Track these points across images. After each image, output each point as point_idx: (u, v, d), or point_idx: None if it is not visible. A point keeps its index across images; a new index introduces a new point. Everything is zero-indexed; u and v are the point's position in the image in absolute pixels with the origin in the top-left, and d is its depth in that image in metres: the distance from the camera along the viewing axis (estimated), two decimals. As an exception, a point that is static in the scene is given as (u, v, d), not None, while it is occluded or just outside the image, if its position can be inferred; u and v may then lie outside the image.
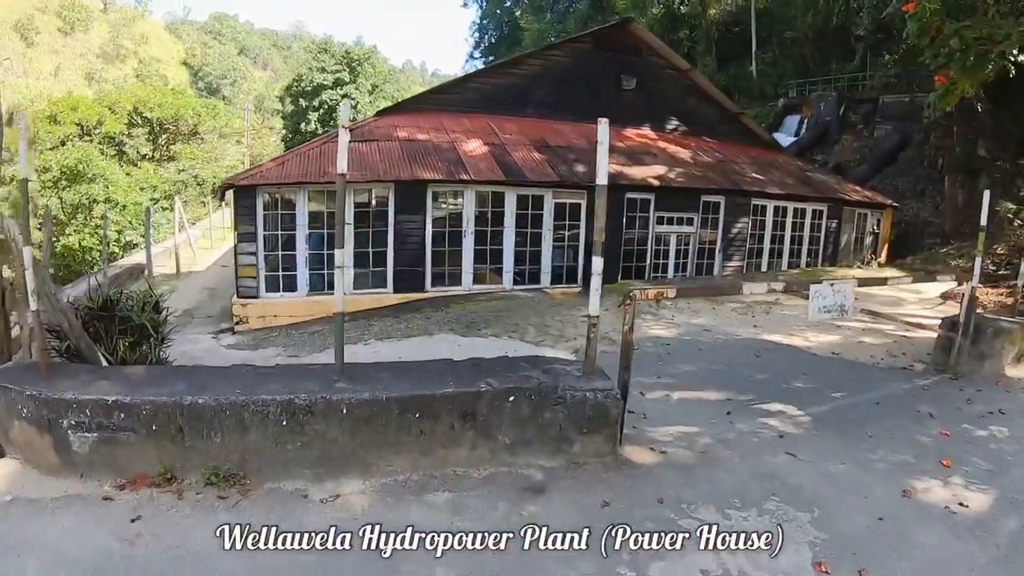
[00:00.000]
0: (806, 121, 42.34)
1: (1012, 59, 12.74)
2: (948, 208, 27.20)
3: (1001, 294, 16.98)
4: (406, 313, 14.69)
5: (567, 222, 17.70)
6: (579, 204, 17.64)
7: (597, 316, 5.54)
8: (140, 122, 38.66)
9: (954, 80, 13.87)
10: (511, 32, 72.36)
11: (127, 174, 34.52)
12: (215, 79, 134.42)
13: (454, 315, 14.01)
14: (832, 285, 6.95)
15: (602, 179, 5.20)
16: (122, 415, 5.02)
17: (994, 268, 20.81)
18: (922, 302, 16.67)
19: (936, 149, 30.66)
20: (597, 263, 5.51)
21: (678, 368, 9.67)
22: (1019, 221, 21.15)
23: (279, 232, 15.74)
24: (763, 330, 12.39)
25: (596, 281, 5.55)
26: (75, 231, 28.60)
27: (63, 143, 32.27)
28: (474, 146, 17.92)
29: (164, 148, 40.44)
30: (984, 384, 9.11)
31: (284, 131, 67.20)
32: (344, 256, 5.23)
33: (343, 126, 5.06)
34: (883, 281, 7.59)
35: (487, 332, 12.19)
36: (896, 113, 36.78)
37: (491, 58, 64.73)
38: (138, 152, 38.06)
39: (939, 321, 10.39)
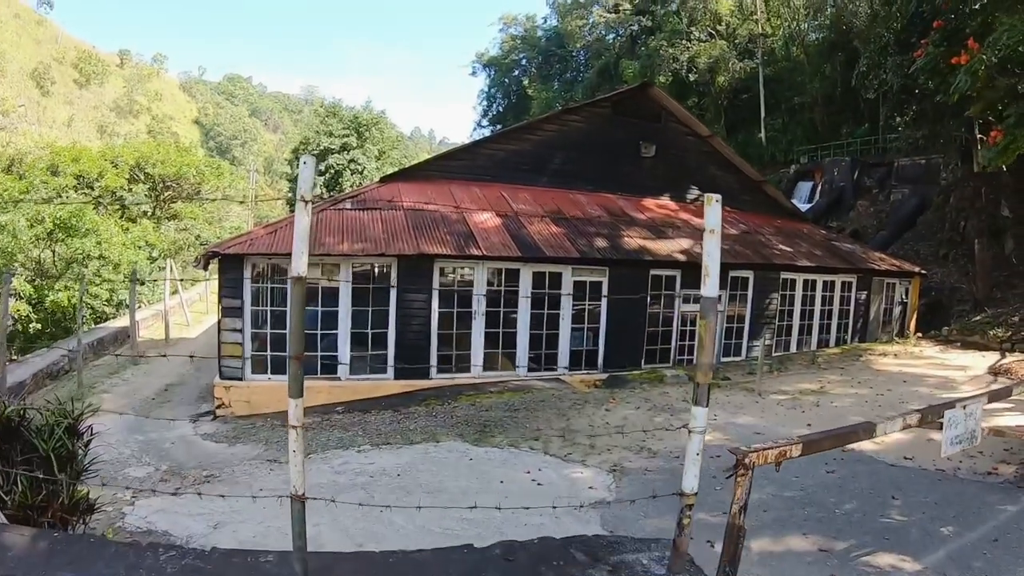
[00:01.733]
0: (819, 187, 41.73)
1: None
2: (980, 273, 26.00)
3: None
4: (409, 405, 13.16)
5: (587, 302, 16.26)
6: (600, 282, 16.24)
7: (694, 495, 3.92)
8: (142, 178, 37.77)
9: (1013, 136, 12.95)
10: (519, 101, 72.95)
11: (124, 230, 33.30)
12: (226, 139, 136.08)
13: (463, 413, 12.42)
14: (964, 408, 5.40)
15: (712, 289, 3.74)
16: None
17: None
18: (973, 380, 15.28)
19: (957, 211, 29.83)
20: (699, 414, 3.85)
21: None
22: None
23: (268, 307, 14.41)
24: (817, 429, 10.77)
25: (694, 443, 3.87)
26: (64, 287, 27.18)
27: (59, 195, 31.06)
28: (486, 218, 16.61)
29: (165, 206, 39.47)
30: None
31: (290, 195, 66.44)
32: (294, 365, 3.67)
33: (302, 197, 3.51)
34: (1007, 392, 6.22)
35: (503, 440, 10.54)
36: (912, 176, 36.36)
37: (499, 126, 64.70)
38: (139, 209, 37.03)
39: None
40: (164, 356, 7.83)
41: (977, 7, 14.70)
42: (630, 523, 6.82)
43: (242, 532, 6.98)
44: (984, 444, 9.01)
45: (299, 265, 3.54)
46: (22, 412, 5.59)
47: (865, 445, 9.79)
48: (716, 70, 50.36)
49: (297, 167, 44.13)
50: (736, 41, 52.68)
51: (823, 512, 7.43)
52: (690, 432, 3.80)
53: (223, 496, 5.71)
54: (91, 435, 6.17)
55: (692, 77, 50.76)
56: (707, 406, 3.78)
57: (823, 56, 45.97)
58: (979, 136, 24.42)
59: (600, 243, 16.80)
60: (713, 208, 3.70)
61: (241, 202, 51.20)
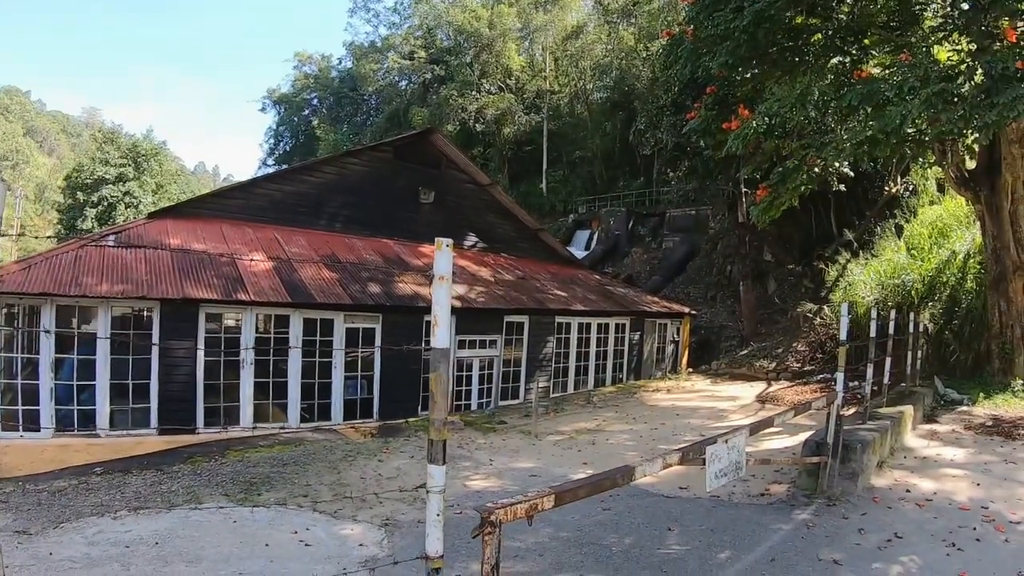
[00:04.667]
0: (596, 235, 43.93)
1: (834, 170, 13.34)
2: (745, 311, 28.48)
3: (813, 391, 17.39)
4: (173, 463, 12.29)
5: (360, 349, 16.06)
6: (373, 328, 16.15)
7: (440, 559, 3.80)
8: None
9: (777, 193, 14.18)
10: (307, 141, 72.07)
11: None
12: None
13: (230, 469, 11.69)
14: (727, 442, 5.75)
15: (442, 340, 3.72)
16: None
17: (798, 366, 21.41)
18: (743, 409, 16.53)
19: (724, 257, 32.62)
20: (436, 473, 3.62)
21: (516, 540, 7.79)
22: (819, 320, 21.99)
23: (17, 355, 13.13)
24: (594, 468, 11.10)
25: (433, 504, 3.71)
26: None
27: None
28: (257, 260, 16.07)
29: None
30: (863, 504, 8.54)
31: (59, 226, 62.00)
32: None
33: None
34: (769, 422, 6.83)
35: (271, 498, 9.99)
36: (683, 226, 39.21)
37: (284, 166, 63.55)
38: None
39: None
40: None
41: (748, 76, 15.98)
42: None
43: None
44: (755, 467, 9.73)
45: None
46: None
47: (641, 479, 10.24)
48: (503, 122, 52.02)
49: (70, 197, 41.52)
50: (524, 96, 54.75)
51: (601, 551, 7.54)
52: (428, 492, 3.63)
53: None
54: None
55: (479, 127, 52.21)
56: (444, 464, 3.59)
57: (605, 114, 48.71)
58: (744, 190, 26.91)
59: (374, 288, 16.73)
60: (443, 253, 3.46)
61: (3, 234, 47.15)
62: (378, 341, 16.16)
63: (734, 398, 18.35)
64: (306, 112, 76.60)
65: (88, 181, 57.50)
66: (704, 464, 5.74)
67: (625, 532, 8.20)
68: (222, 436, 13.94)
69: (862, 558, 7.03)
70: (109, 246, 15.19)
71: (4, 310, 12.91)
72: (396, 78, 63.79)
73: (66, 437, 13.15)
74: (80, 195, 57.32)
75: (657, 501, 9.40)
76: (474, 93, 52.52)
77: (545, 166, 52.24)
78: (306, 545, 8.11)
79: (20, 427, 13.00)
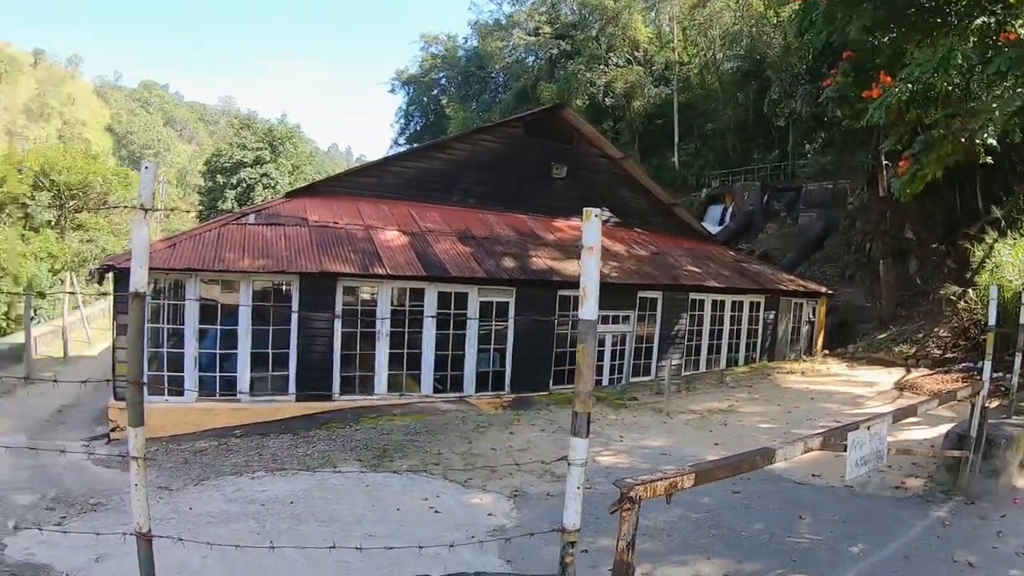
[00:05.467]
0: (730, 210, 42.60)
1: (981, 142, 12.24)
2: (885, 292, 26.75)
3: (955, 380, 16.14)
4: (309, 429, 12.73)
5: (493, 322, 16.12)
6: (507, 302, 16.16)
7: (576, 532, 3.64)
8: (47, 185, 36.39)
9: (920, 164, 13.31)
10: (437, 120, 72.65)
11: (26, 240, 32.04)
12: (139, 148, 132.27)
13: (364, 436, 12.03)
14: (869, 429, 5.40)
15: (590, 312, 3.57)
16: None
17: (939, 352, 20.07)
18: (880, 396, 15.70)
19: (863, 234, 30.75)
20: (579, 445, 3.57)
21: (646, 518, 7.81)
22: (963, 304, 20.45)
23: (164, 325, 13.77)
24: (726, 449, 10.77)
25: (574, 477, 3.59)
26: (-42, 300, 26.04)
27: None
28: (392, 236, 16.30)
29: (70, 215, 38.11)
30: (1003, 505, 7.94)
31: (201, 208, 64.90)
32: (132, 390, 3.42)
33: (142, 205, 3.31)
34: (912, 411, 6.32)
35: (403, 465, 10.21)
36: (819, 200, 37.37)
37: (416, 145, 64.36)
38: (42, 218, 35.69)
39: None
40: (54, 381, 7.53)
41: (886, 40, 15.09)
42: (530, 552, 6.57)
43: (124, 566, 6.56)
44: (892, 458, 9.22)
45: (137, 280, 3.28)
46: None
47: (772, 464, 9.84)
48: (632, 95, 51.13)
49: (210, 180, 43.45)
50: (653, 68, 53.60)
51: (730, 534, 7.33)
52: (569, 464, 3.55)
53: (97, 533, 5.36)
54: None
55: (608, 101, 51.45)
56: (587, 436, 3.51)
57: (737, 84, 47.10)
58: (885, 162, 25.27)
59: (508, 263, 16.71)
60: (592, 224, 3.47)
61: (156, 209, 49.73)
62: (511, 314, 16.16)
63: (871, 384, 17.43)
64: (435, 92, 77.21)
65: (227, 165, 59.88)
66: (843, 451, 5.42)
67: (755, 517, 7.92)
68: (357, 404, 14.38)
69: (999, 563, 6.57)
70: (250, 224, 15.72)
71: (152, 284, 13.48)
72: (522, 55, 63.29)
73: (208, 402, 13.85)
74: (220, 178, 59.76)
75: (789, 487, 9.09)
76: (602, 67, 51.65)
77: (676, 139, 51.03)
78: (436, 512, 8.20)
79: (166, 392, 13.73)
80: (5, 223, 32.04)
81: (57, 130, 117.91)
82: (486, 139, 20.76)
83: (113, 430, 13.44)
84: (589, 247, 3.43)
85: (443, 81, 77.21)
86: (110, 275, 13.82)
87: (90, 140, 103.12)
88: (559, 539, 3.60)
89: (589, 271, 3.45)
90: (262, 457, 11.16)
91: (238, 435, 12.81)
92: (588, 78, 51.14)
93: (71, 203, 38.36)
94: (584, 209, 3.43)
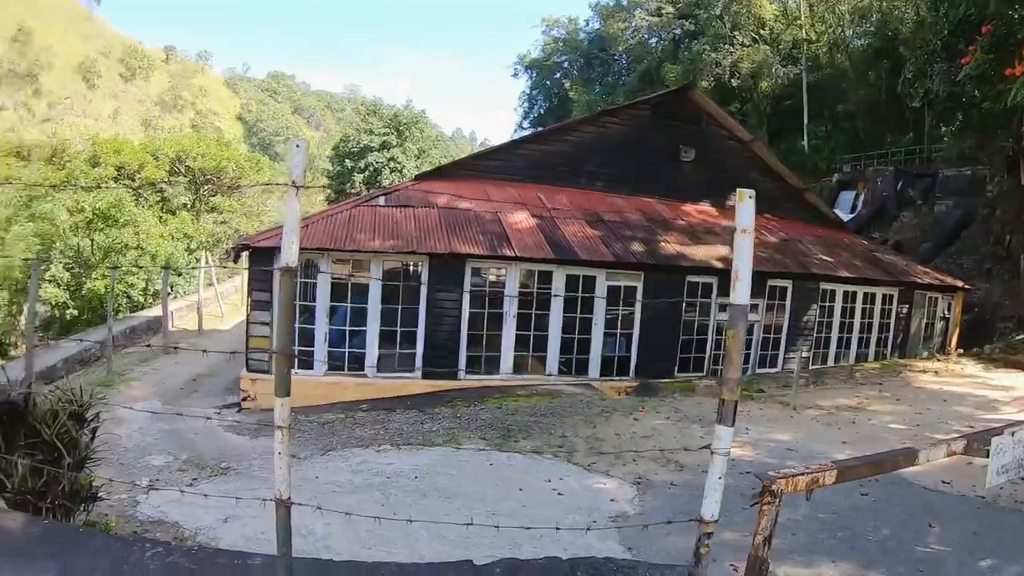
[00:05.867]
0: (862, 197, 40.74)
1: None
2: None
3: None
4: (434, 406, 12.87)
5: (620, 307, 15.82)
6: (635, 287, 15.85)
7: (714, 523, 3.53)
8: (182, 170, 38.13)
9: None
10: (560, 103, 72.41)
11: (163, 222, 33.71)
12: (269, 135, 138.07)
13: (488, 415, 12.10)
14: (1013, 435, 4.99)
15: (742, 296, 3.41)
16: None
17: None
18: (1017, 402, 14.66)
19: (1003, 225, 28.84)
20: (724, 434, 3.44)
21: None
22: None
23: (297, 302, 14.15)
24: (854, 448, 10.29)
25: (717, 466, 3.47)
26: (102, 275, 27.56)
27: (99, 185, 31.47)
28: (520, 218, 16.28)
29: (205, 199, 39.80)
30: None
31: (329, 191, 66.66)
32: (280, 361, 3.37)
33: (293, 183, 3.29)
34: None
35: (527, 446, 10.22)
36: (957, 187, 35.26)
37: (540, 129, 64.04)
38: (179, 201, 37.42)
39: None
40: (204, 352, 7.76)
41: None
42: (651, 540, 6.44)
43: (251, 527, 6.78)
44: None
45: (289, 255, 3.31)
46: (28, 397, 5.45)
47: (906, 471, 9.34)
48: (759, 76, 49.70)
49: (338, 165, 44.60)
50: (780, 47, 51.93)
51: (856, 538, 7.02)
52: (713, 453, 3.44)
53: (237, 498, 5.50)
54: (98, 422, 6.04)
55: (735, 82, 50.10)
56: (732, 425, 3.41)
57: (868, 63, 45.18)
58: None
59: (636, 247, 16.41)
60: (745, 205, 3.39)
61: (304, 185, 51.68)
62: (638, 299, 15.86)
63: (1008, 388, 16.27)
64: (557, 75, 77.00)
65: (355, 149, 61.11)
66: (983, 458, 5.01)
67: (883, 522, 7.53)
68: (481, 383, 14.46)
69: None
70: (380, 206, 15.97)
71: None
72: (645, 36, 62.51)
73: (337, 376, 14.22)
74: (348, 162, 61.04)
75: (918, 492, 8.59)
76: (727, 47, 50.28)
77: (806, 121, 49.21)
78: (559, 494, 8.18)
79: (296, 366, 13.97)
80: (144, 206, 33.56)
81: (190, 120, 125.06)
82: (613, 121, 20.37)
83: (244, 399, 14.02)
84: (743, 229, 3.42)
85: (565, 64, 76.91)
86: (245, 254, 14.37)
87: (222, 129, 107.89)
88: (687, 529, 3.47)
89: (742, 254, 3.42)
90: (388, 431, 11.36)
91: (364, 409, 13.08)
92: (713, 58, 49.83)
93: (205, 187, 39.97)
94: (738, 190, 3.42)
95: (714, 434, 3.45)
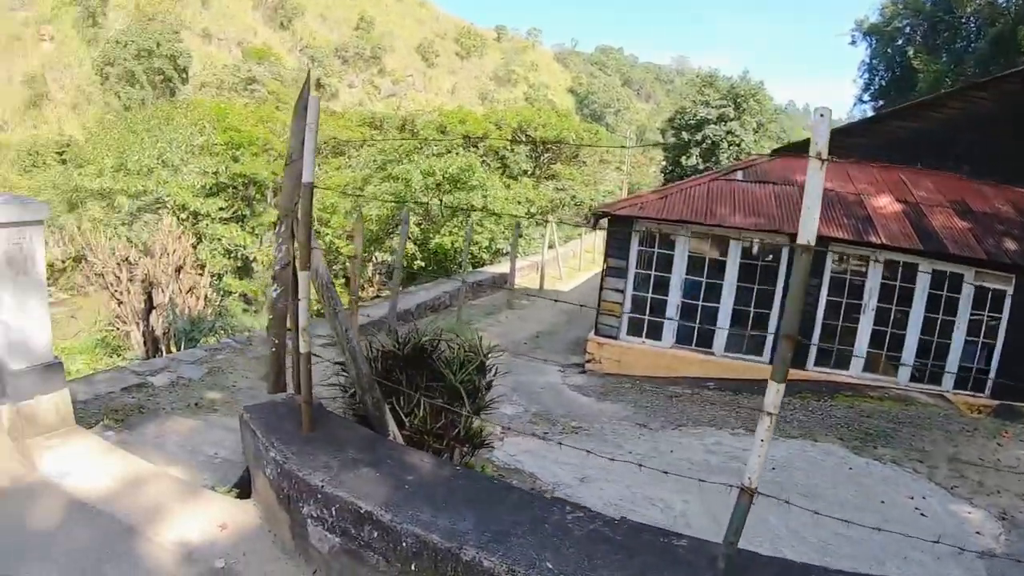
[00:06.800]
0: None
1: None
2: None
3: None
4: (783, 395, 12.55)
5: (985, 312, 14.06)
6: (1003, 291, 14.02)
7: None
8: (524, 139, 40.18)
9: None
10: (903, 74, 65.74)
11: (506, 187, 36.09)
12: (599, 107, 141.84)
13: (841, 414, 11.58)
14: None
15: None
16: (375, 533, 3.79)
17: None
18: None
19: None
20: None
21: None
22: None
23: (651, 272, 14.54)
24: None
25: None
26: (449, 233, 30.40)
27: (448, 151, 34.31)
28: (885, 203, 15.23)
29: (544, 167, 41.75)
30: None
31: (664, 163, 66.80)
32: (784, 345, 3.40)
33: (818, 155, 3.34)
34: None
35: (886, 454, 9.65)
36: None
37: (881, 102, 59.22)
38: (520, 168, 39.59)
39: None
40: (555, 300, 8.29)
41: None
42: None
43: (608, 492, 7.04)
44: None
45: (808, 232, 3.14)
46: (434, 341, 6.04)
47: None
48: None
49: (671, 136, 44.93)
50: None
51: None
52: None
53: (588, 451, 5.68)
54: (494, 375, 6.43)
55: None
56: None
57: None
58: None
59: (1009, 245, 14.61)
60: None
61: (618, 168, 53.02)
62: (1007, 306, 14.07)
63: None
64: (899, 42, 69.10)
65: (691, 122, 60.74)
66: None
67: None
68: (830, 378, 13.82)
69: None
70: (737, 181, 15.73)
71: (641, 231, 14.23)
72: (996, -7, 54.97)
73: (682, 350, 14.38)
74: (684, 135, 60.88)
75: None
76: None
77: None
78: (921, 515, 7.66)
79: (643, 334, 14.56)
80: (486, 172, 36.03)
81: (523, 93, 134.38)
82: (982, 97, 17.79)
83: (588, 361, 14.60)
84: None
85: (907, 30, 69.20)
86: (604, 220, 14.99)
87: (554, 101, 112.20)
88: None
89: None
90: (739, 415, 11.23)
91: (711, 387, 13.02)
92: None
93: (545, 155, 41.89)
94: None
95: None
